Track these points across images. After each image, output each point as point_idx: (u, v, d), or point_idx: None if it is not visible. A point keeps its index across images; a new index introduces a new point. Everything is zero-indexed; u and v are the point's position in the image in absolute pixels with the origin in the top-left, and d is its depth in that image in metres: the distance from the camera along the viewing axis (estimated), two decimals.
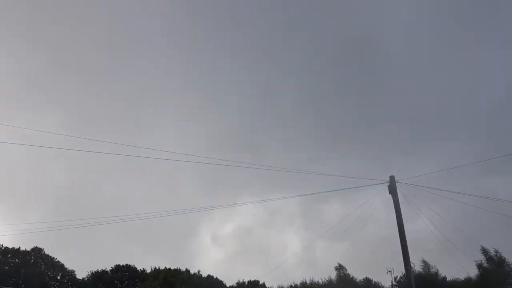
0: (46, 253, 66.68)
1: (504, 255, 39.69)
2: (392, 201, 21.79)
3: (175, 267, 65.47)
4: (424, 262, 44.83)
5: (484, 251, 40.57)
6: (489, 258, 40.48)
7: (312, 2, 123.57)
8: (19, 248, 63.65)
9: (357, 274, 49.63)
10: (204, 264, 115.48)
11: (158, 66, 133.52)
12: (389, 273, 45.86)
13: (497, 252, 40.00)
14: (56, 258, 66.98)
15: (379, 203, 23.59)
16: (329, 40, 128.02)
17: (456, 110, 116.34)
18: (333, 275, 49.54)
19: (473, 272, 41.57)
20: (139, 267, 70.55)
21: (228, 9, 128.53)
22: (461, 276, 43.46)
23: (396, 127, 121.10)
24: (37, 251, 65.73)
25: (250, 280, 65.34)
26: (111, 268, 69.45)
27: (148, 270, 67.64)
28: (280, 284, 56.01)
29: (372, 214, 26.17)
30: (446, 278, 44.34)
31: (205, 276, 66.52)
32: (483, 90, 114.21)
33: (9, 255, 62.66)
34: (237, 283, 64.86)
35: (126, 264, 70.57)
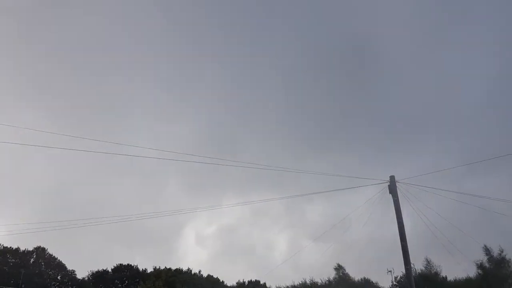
0: (49, 252, 66.91)
1: (507, 254, 39.57)
2: (392, 200, 21.78)
3: (176, 267, 65.61)
4: (427, 261, 44.79)
5: (487, 250, 40.41)
6: (491, 258, 40.36)
7: (308, 2, 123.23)
8: (18, 248, 63.67)
9: (356, 274, 49.70)
10: (191, 263, 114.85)
11: (135, 66, 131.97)
12: (389, 273, 45.82)
13: (501, 251, 39.88)
14: (58, 258, 67.13)
15: (379, 203, 23.48)
16: (327, 38, 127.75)
17: (453, 109, 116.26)
18: (332, 275, 49.64)
19: (473, 272, 41.51)
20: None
21: (218, 7, 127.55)
22: (461, 275, 43.44)
23: (393, 127, 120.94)
24: (40, 250, 65.77)
25: (251, 280, 65.33)
26: (112, 268, 69.51)
27: (149, 270, 67.76)
28: (278, 285, 56.10)
29: (371, 214, 26.08)
30: (446, 278, 44.31)
31: (205, 276, 66.46)
32: (480, 88, 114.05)
33: (9, 255, 62.61)
34: (237, 283, 64.89)
35: (128, 264, 70.65)
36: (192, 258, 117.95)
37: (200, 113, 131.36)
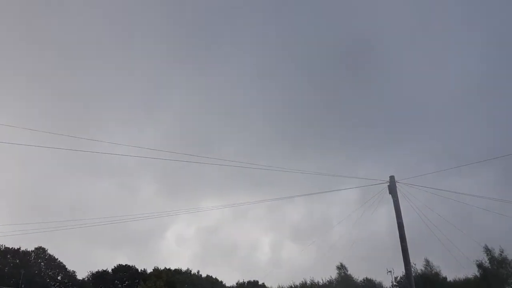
0: (49, 253, 66.87)
1: (508, 254, 39.51)
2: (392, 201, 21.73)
3: (176, 267, 65.64)
4: (427, 261, 44.77)
5: (487, 250, 40.34)
6: (491, 258, 40.31)
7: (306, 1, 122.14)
8: (19, 248, 63.66)
9: (357, 274, 49.63)
10: (174, 265, 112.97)
11: (108, 66, 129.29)
12: (389, 273, 45.80)
13: (502, 251, 39.82)
14: (58, 259, 67.18)
15: (379, 203, 23.45)
16: (326, 38, 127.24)
17: (452, 108, 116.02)
18: (333, 275, 49.56)
19: (473, 272, 41.47)
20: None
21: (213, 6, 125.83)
22: (462, 275, 43.42)
23: (393, 127, 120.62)
24: (40, 251, 65.79)
25: (250, 281, 65.38)
26: (112, 268, 69.56)
27: (148, 271, 67.78)
28: (280, 285, 56.07)
29: (372, 214, 26.04)
30: (446, 278, 44.28)
31: (205, 276, 66.52)
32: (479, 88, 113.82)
33: (9, 255, 62.60)
34: (237, 283, 64.96)
35: (127, 264, 70.71)
36: (175, 260, 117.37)
37: (185, 113, 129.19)
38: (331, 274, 49.97)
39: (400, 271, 44.97)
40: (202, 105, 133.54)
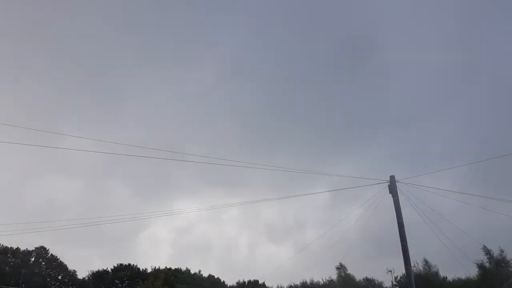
0: (51, 253, 67.01)
1: (508, 255, 39.53)
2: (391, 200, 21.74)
3: (176, 267, 65.69)
4: (426, 261, 44.81)
5: (487, 251, 40.38)
6: (491, 258, 40.32)
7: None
8: (18, 248, 63.72)
9: (357, 274, 49.64)
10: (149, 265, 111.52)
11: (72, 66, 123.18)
12: (389, 273, 45.82)
13: (502, 251, 39.86)
14: (59, 258, 67.31)
15: (378, 203, 23.43)
16: (326, 38, 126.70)
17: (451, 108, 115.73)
18: (333, 275, 49.58)
19: (474, 272, 41.47)
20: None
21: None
22: (462, 275, 43.42)
23: (392, 127, 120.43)
24: (42, 250, 65.84)
25: (250, 280, 65.48)
26: (112, 268, 69.63)
27: (149, 270, 67.83)
28: (280, 284, 56.17)
29: (371, 214, 26.03)
30: (446, 278, 44.28)
31: (206, 276, 66.62)
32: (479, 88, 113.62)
33: (9, 255, 62.68)
34: (237, 283, 65.05)
35: (128, 264, 70.77)
36: (151, 261, 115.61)
37: (154, 113, 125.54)
38: (331, 273, 50.09)
39: (400, 271, 45.01)
40: (174, 105, 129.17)
